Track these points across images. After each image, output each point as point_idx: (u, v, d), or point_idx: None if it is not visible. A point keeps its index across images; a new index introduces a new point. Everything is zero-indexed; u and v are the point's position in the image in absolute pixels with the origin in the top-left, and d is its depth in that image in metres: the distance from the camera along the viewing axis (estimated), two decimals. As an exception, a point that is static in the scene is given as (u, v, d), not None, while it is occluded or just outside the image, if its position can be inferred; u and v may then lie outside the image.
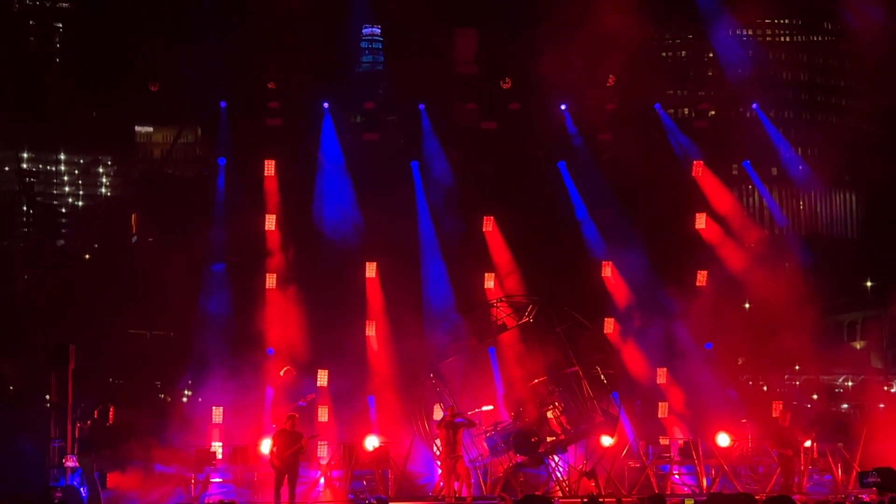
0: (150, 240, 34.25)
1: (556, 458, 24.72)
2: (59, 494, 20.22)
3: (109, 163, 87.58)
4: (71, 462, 21.05)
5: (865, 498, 16.52)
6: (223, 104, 28.78)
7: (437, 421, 24.06)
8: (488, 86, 29.59)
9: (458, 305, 28.25)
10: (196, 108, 30.11)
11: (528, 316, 25.65)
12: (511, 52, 29.95)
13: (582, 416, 25.24)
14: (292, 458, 22.29)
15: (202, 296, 27.93)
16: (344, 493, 23.84)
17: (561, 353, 25.63)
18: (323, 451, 25.04)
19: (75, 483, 21.09)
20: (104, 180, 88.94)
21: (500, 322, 25.60)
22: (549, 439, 24.51)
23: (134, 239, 36.14)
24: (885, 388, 40.01)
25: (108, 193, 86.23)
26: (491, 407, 26.01)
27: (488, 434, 24.68)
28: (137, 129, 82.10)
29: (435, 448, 24.05)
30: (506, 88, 28.67)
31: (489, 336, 26.13)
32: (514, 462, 24.34)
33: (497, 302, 26.09)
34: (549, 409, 24.97)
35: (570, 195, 29.94)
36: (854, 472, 24.04)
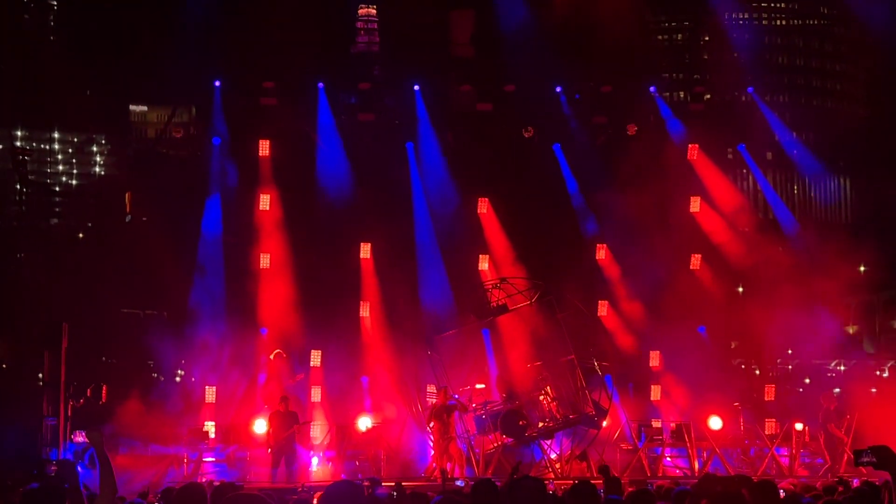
0: (143, 219, 34.13)
1: (549, 441, 24.71)
2: (53, 468, 20.23)
3: (103, 142, 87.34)
4: (80, 437, 21.06)
5: (856, 483, 16.51)
6: (217, 83, 28.66)
7: (431, 393, 24.08)
8: (484, 68, 29.53)
9: (453, 287, 28.21)
10: (190, 88, 29.95)
11: (531, 300, 25.51)
12: (506, 34, 29.85)
13: (573, 405, 25.18)
14: (287, 441, 22.39)
15: (196, 275, 27.87)
16: (337, 474, 23.87)
17: (558, 340, 25.54)
18: (316, 432, 25.09)
19: (69, 457, 21.11)
20: (98, 159, 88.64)
21: (501, 303, 25.44)
22: (540, 424, 24.49)
23: (128, 218, 35.98)
24: (877, 372, 40.06)
25: (102, 172, 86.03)
26: (483, 386, 26.00)
27: (477, 412, 24.66)
28: (131, 108, 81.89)
29: (428, 429, 24.07)
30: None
31: (489, 315, 26.01)
32: (500, 442, 24.32)
33: (500, 282, 25.88)
34: (541, 395, 24.95)
35: (564, 178, 29.91)
36: (845, 456, 24.14)
